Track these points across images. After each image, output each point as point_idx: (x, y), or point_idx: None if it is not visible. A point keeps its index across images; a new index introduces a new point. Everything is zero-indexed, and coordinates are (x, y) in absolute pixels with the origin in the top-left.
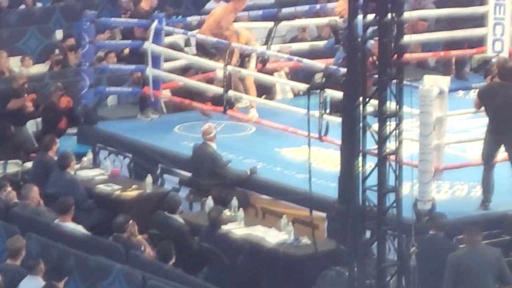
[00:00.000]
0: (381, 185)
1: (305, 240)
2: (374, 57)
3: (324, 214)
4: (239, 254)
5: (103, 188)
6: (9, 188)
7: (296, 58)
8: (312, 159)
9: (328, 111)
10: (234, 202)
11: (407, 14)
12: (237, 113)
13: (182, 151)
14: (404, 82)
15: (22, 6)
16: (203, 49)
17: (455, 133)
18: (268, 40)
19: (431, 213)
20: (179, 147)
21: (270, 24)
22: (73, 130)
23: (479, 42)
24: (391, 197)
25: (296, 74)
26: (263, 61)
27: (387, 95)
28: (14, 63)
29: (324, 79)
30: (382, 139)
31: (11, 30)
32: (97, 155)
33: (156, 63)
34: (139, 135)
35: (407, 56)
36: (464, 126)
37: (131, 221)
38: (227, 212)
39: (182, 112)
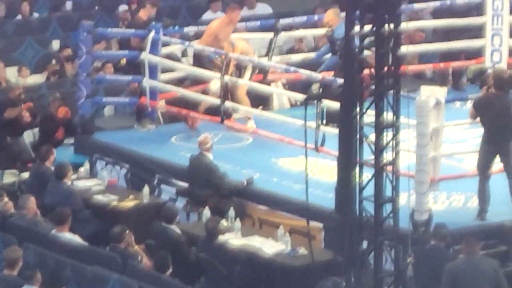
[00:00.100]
0: (378, 196)
1: (302, 251)
2: (371, 69)
3: (321, 225)
4: (236, 264)
5: (100, 198)
6: (6, 199)
7: (293, 68)
8: (309, 170)
9: (324, 121)
10: (231, 212)
11: (404, 25)
12: (234, 123)
13: (179, 161)
14: (401, 92)
15: (19, 16)
16: (200, 61)
17: (452, 143)
18: (269, 51)
19: (428, 223)
20: (176, 157)
21: (268, 35)
22: (70, 140)
23: (477, 53)
24: (388, 208)
25: (293, 85)
26: (263, 72)
27: (384, 106)
28: (11, 73)
29: (321, 90)
30: (379, 150)
31: (7, 40)
32: (94, 165)
33: (153, 73)
34: (136, 146)
35: (404, 67)
36: (461, 136)
37: (128, 232)
38: (224, 223)
39: (179, 122)
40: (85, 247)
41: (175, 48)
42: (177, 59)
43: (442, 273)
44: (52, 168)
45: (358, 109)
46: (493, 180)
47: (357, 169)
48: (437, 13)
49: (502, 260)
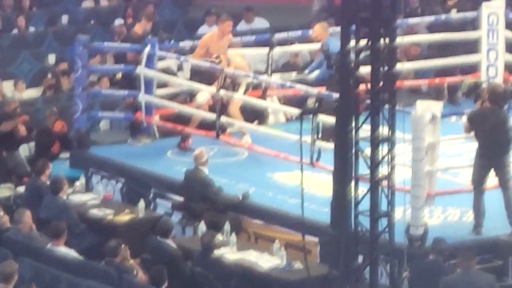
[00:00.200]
0: (373, 210)
1: (298, 265)
2: (367, 84)
3: (316, 239)
4: (231, 278)
5: (95, 212)
6: (2, 213)
7: (288, 83)
8: (304, 184)
9: (320, 136)
10: (227, 226)
11: (399, 40)
12: (230, 138)
13: (175, 175)
14: (397, 107)
15: (15, 30)
16: (197, 75)
17: (447, 158)
18: (267, 67)
19: (423, 238)
20: (171, 171)
21: (263, 50)
22: (66, 154)
23: (472, 68)
24: (383, 222)
25: (288, 99)
26: (263, 89)
27: (380, 120)
28: (7, 88)
29: (316, 104)
30: (374, 164)
31: (3, 54)
32: (89, 179)
33: (148, 88)
34: (131, 160)
35: (400, 82)
36: (456, 151)
37: (123, 246)
38: (219, 237)
39: (175, 137)
40: (81, 261)
41: (171, 63)
42: (173, 74)
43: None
44: (48, 182)
45: (353, 123)
46: (489, 195)
47: (353, 183)
48: (432, 28)
49: (498, 275)
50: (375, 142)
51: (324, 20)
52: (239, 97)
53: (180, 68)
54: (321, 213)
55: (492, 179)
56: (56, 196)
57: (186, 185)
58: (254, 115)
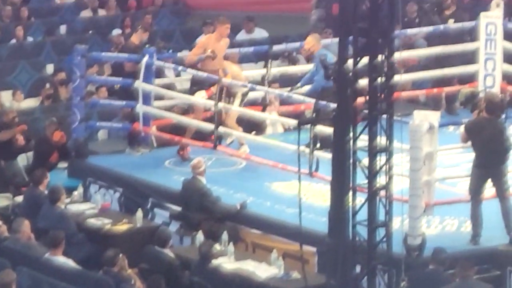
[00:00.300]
0: (371, 220)
1: (295, 275)
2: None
3: (314, 249)
4: None
5: (93, 222)
6: (0, 222)
7: (285, 94)
8: (302, 194)
9: (318, 146)
10: (225, 236)
11: (397, 54)
12: (228, 149)
13: (173, 185)
14: (394, 117)
15: (13, 40)
16: (197, 84)
17: (445, 167)
18: (263, 79)
19: (421, 248)
20: (169, 181)
21: (261, 68)
22: (64, 164)
23: (470, 78)
24: (381, 232)
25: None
26: (263, 104)
27: (377, 130)
28: (5, 97)
29: (314, 114)
30: (372, 174)
31: (2, 64)
32: (87, 189)
33: (146, 99)
34: (129, 170)
35: (398, 93)
36: (454, 160)
37: (121, 255)
38: (217, 246)
39: (173, 146)
40: (79, 271)
41: (170, 75)
42: (172, 87)
43: None
44: (46, 192)
45: (351, 133)
46: (486, 205)
47: (351, 193)
48: (430, 37)
49: (496, 285)
50: (372, 152)
51: (322, 30)
52: (236, 109)
53: (178, 74)
54: (319, 223)
55: (489, 189)
56: (54, 206)
57: (184, 195)
58: (251, 125)
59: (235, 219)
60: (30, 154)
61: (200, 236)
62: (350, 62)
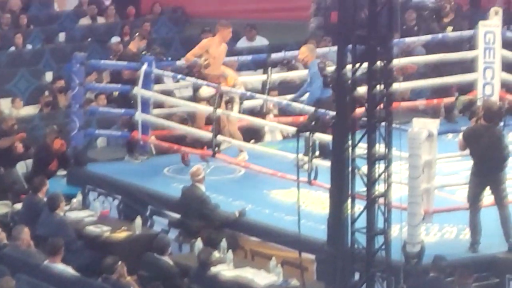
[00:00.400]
0: (370, 228)
1: (294, 282)
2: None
3: (313, 256)
4: None
5: (92, 229)
6: None
7: (284, 102)
8: (301, 201)
9: (317, 153)
10: (223, 244)
11: (396, 61)
12: (227, 156)
13: (172, 193)
14: (393, 125)
15: (12, 48)
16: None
17: (444, 175)
18: (264, 87)
19: (420, 255)
20: (168, 189)
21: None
22: (63, 171)
23: (469, 86)
24: (380, 240)
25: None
26: (261, 113)
27: (376, 138)
28: (5, 105)
29: (313, 122)
30: (371, 182)
31: (1, 71)
32: (86, 196)
33: (145, 107)
34: (128, 177)
35: (397, 103)
36: (453, 168)
37: (120, 263)
38: (216, 254)
39: (172, 154)
40: (78, 278)
41: (169, 83)
42: (171, 94)
43: None
44: (45, 199)
45: (350, 141)
46: (485, 212)
47: (349, 200)
48: (429, 45)
49: None
50: (371, 159)
51: (321, 38)
52: (235, 115)
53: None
54: (318, 231)
55: (488, 196)
56: (53, 213)
57: (182, 202)
58: (250, 133)
59: (234, 227)
60: (29, 161)
61: (199, 244)
62: (349, 69)
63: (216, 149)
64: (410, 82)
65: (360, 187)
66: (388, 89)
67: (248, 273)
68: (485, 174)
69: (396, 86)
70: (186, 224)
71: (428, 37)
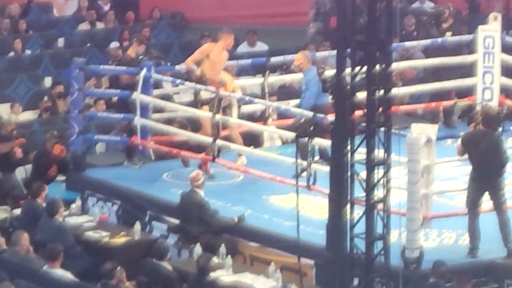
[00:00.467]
0: (369, 233)
1: (293, 287)
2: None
3: (312, 262)
4: None
5: (91, 235)
6: None
7: (283, 107)
8: (300, 207)
9: (317, 158)
10: (222, 249)
11: (395, 65)
12: (226, 161)
13: (171, 198)
14: (392, 130)
15: (11, 53)
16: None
17: (443, 181)
18: (263, 91)
19: (419, 261)
20: (167, 194)
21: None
22: (62, 177)
23: (468, 91)
24: (379, 245)
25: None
26: (263, 118)
27: (375, 143)
28: (3, 110)
29: (312, 127)
30: (370, 187)
31: (0, 77)
32: (85, 202)
33: (144, 112)
34: (127, 182)
35: (396, 107)
36: (452, 174)
37: (119, 268)
38: (215, 259)
39: (171, 159)
40: (77, 284)
41: (168, 87)
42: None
43: None
44: (44, 205)
45: (349, 146)
46: (484, 218)
47: (348, 206)
48: (428, 50)
49: None
50: (370, 165)
51: (320, 44)
52: (235, 120)
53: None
54: (317, 236)
55: (487, 202)
56: (52, 218)
57: (182, 208)
58: (250, 139)
59: (233, 232)
60: (28, 167)
61: (198, 249)
62: (348, 74)
63: (216, 154)
64: (409, 87)
65: (359, 192)
66: (387, 94)
67: (247, 279)
68: (483, 179)
69: (395, 91)
70: (185, 230)
71: (428, 41)
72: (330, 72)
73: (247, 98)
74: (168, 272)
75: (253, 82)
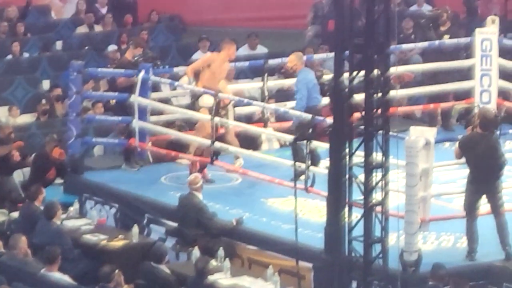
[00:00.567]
0: (367, 236)
1: None
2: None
3: (310, 265)
4: None
5: (89, 238)
6: None
7: (282, 109)
8: (298, 210)
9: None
10: (221, 252)
11: (393, 69)
12: (224, 163)
13: (169, 201)
14: (390, 133)
15: (9, 56)
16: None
17: (441, 183)
18: (263, 94)
19: (417, 264)
20: (165, 197)
21: (258, 82)
22: (60, 180)
23: (466, 94)
24: (377, 248)
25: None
26: (263, 121)
27: (373, 146)
28: (1, 113)
29: (310, 130)
30: (368, 190)
31: None
32: (83, 205)
33: (142, 114)
34: (125, 185)
35: (394, 109)
36: (450, 177)
37: (117, 271)
38: (213, 262)
39: (169, 162)
40: (75, 287)
41: (166, 90)
42: (169, 103)
43: None
44: (42, 208)
45: (347, 149)
46: (482, 221)
47: (347, 209)
48: (425, 53)
49: None
50: (368, 168)
51: (318, 46)
52: (233, 123)
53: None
54: (315, 239)
55: (485, 205)
56: (50, 222)
57: (180, 211)
58: (248, 142)
59: (231, 235)
60: (26, 170)
61: (196, 252)
62: (346, 78)
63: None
64: (407, 89)
65: (357, 195)
66: (385, 97)
67: (245, 282)
68: (481, 182)
69: (393, 94)
70: (183, 233)
71: (425, 44)
72: (328, 75)
73: (245, 100)
74: (166, 275)
75: (251, 86)
